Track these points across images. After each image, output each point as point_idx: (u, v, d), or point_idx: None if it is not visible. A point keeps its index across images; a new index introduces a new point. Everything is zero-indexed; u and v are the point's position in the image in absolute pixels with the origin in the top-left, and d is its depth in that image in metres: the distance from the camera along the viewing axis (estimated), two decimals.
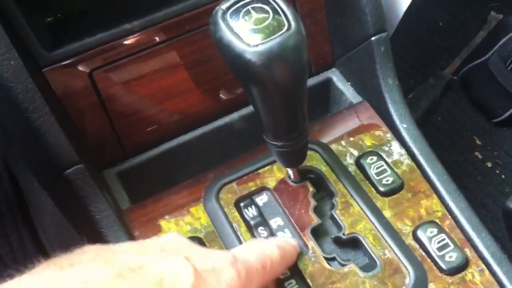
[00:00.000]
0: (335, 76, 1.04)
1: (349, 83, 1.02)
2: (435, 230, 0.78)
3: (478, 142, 1.76)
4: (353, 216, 0.79)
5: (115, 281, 0.50)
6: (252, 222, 0.80)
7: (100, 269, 0.51)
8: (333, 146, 0.88)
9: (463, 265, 0.76)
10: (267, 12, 0.61)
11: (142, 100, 0.89)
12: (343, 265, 0.76)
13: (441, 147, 1.74)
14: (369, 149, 0.88)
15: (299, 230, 0.79)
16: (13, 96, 0.75)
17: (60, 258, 0.54)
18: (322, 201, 0.84)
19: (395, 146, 0.89)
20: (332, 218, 0.81)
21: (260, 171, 0.85)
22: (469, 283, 0.75)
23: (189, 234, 0.81)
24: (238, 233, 0.79)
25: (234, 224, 0.80)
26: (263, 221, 0.80)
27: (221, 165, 0.88)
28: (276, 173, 0.84)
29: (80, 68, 0.83)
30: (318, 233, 0.79)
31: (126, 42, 0.85)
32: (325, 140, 0.90)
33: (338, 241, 0.79)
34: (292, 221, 0.80)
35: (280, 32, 0.60)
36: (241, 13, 0.61)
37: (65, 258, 0.54)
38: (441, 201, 0.83)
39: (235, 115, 0.98)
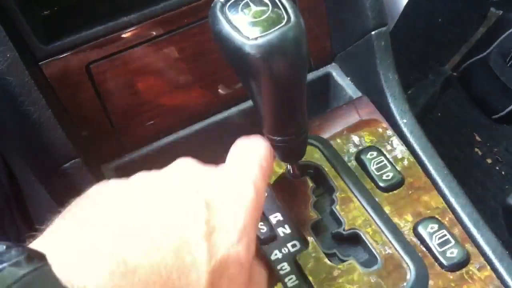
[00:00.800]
0: (335, 71, 1.03)
1: (348, 78, 1.02)
2: (435, 226, 0.78)
3: (477, 138, 1.75)
4: (353, 212, 0.79)
5: (129, 232, 0.50)
6: None
7: (110, 223, 0.51)
8: (333, 142, 0.88)
9: (464, 261, 0.76)
10: (266, 5, 0.60)
11: (140, 94, 0.89)
12: (344, 261, 0.75)
13: (440, 144, 1.73)
14: (369, 145, 0.88)
15: (299, 226, 0.78)
16: (9, 90, 0.74)
17: (74, 208, 0.54)
18: (321, 197, 0.83)
19: (395, 142, 0.88)
20: (332, 213, 0.80)
21: None
22: (470, 279, 0.75)
23: None
24: None
25: None
26: (262, 216, 0.80)
27: (220, 160, 0.87)
28: (276, 168, 0.84)
29: (77, 61, 0.82)
30: (318, 229, 0.79)
31: (123, 35, 0.84)
32: (324, 135, 0.89)
33: (338, 237, 0.79)
34: (292, 216, 0.79)
35: (279, 25, 0.58)
36: (240, 6, 0.60)
37: (80, 210, 0.54)
38: (441, 197, 0.83)
39: (234, 110, 0.97)
